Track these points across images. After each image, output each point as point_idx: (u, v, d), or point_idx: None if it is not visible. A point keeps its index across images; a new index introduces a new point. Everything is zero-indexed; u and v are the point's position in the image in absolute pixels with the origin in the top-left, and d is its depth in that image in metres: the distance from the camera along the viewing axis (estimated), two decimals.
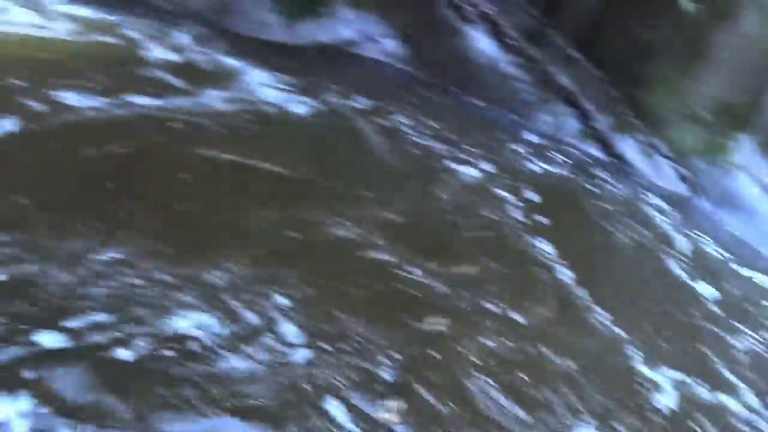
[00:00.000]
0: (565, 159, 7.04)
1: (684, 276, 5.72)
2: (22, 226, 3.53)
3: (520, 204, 5.64)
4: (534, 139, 7.19)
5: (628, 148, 7.84)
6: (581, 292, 4.84)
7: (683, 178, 7.88)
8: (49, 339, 3.03)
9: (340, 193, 4.81)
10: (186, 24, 6.15)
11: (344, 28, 7.03)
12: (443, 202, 5.24)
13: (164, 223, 3.95)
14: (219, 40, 6.10)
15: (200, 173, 4.42)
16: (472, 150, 6.14)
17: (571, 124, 7.76)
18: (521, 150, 6.69)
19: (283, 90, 5.75)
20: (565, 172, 6.75)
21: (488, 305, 4.41)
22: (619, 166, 7.71)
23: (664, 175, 7.87)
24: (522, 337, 4.32)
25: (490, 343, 4.21)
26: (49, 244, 3.48)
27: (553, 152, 7.03)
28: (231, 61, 5.84)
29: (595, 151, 7.74)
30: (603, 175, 7.04)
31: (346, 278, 4.15)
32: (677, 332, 4.99)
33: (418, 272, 4.39)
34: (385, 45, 7.20)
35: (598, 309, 4.77)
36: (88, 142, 4.27)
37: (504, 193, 5.69)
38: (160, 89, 5.01)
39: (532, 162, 6.56)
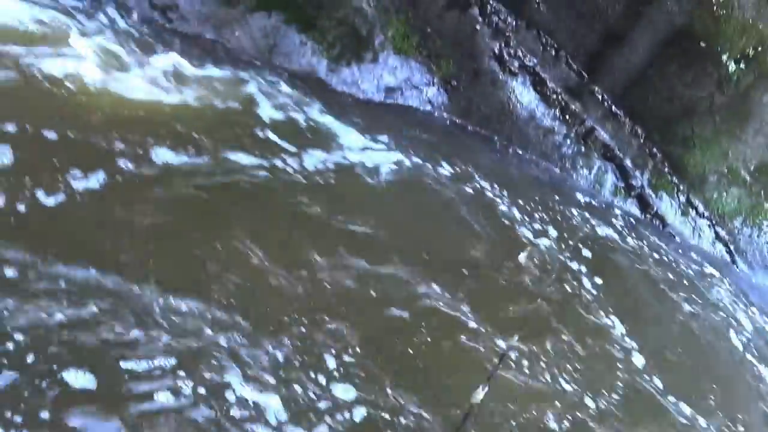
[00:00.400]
0: (616, 221, 6.96)
1: (743, 353, 5.57)
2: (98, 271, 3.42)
3: (585, 271, 5.54)
4: (584, 198, 7.09)
5: (667, 206, 7.71)
6: (651, 376, 4.69)
7: (722, 240, 7.76)
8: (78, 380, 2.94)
9: (422, 258, 4.67)
10: (283, 78, 6.00)
11: (388, 74, 6.90)
12: (522, 272, 5.11)
13: (238, 281, 3.79)
14: (313, 96, 5.93)
15: (283, 231, 4.31)
16: (537, 215, 6.05)
17: (610, 180, 7.64)
18: (576, 212, 6.60)
19: (368, 149, 5.64)
20: (619, 237, 6.67)
21: (560, 384, 4.24)
22: (658, 225, 7.58)
23: (703, 236, 7.75)
24: (593, 422, 4.14)
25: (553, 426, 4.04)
26: (122, 292, 3.38)
27: (604, 214, 6.95)
28: (321, 118, 5.71)
29: (634, 209, 7.62)
30: (653, 238, 6.91)
31: (418, 346, 3.99)
32: (751, 418, 4.82)
33: (501, 345, 4.22)
34: (428, 93, 7.08)
35: (670, 397, 4.62)
36: (173, 200, 4.13)
37: (573, 264, 5.59)
38: (253, 146, 4.87)
39: (588, 224, 6.49)
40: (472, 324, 4.27)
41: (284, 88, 5.87)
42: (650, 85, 7.55)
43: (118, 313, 3.26)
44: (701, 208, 7.81)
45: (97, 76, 4.76)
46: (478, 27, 7.11)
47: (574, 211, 6.47)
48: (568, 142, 7.56)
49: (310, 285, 3.97)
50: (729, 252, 7.76)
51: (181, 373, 3.17)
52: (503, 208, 5.77)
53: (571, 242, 5.74)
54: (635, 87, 7.59)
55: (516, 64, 7.30)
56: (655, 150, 7.72)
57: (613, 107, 7.64)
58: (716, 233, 7.79)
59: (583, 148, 7.61)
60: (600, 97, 7.59)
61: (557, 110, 7.49)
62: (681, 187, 7.77)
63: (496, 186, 6.02)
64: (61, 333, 3.05)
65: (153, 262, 3.60)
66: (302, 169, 4.90)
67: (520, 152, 7.30)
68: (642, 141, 7.71)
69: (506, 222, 5.63)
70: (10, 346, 2.91)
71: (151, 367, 3.13)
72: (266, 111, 5.36)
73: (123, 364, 3.08)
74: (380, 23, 6.79)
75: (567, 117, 7.52)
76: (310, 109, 5.69)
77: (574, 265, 5.50)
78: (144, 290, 3.42)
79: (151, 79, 5.05)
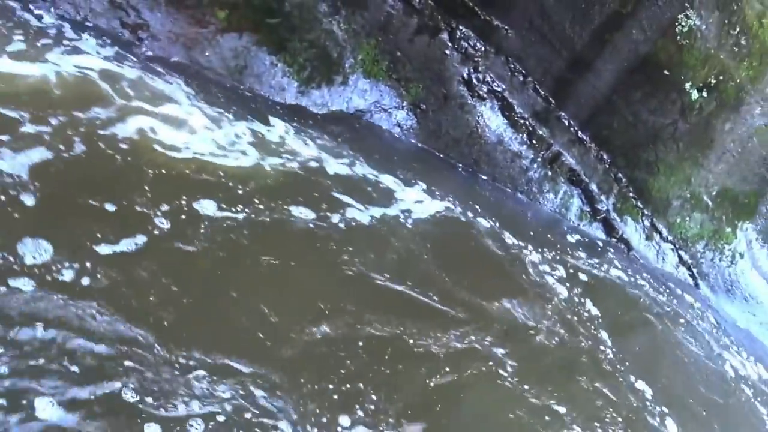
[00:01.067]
0: (609, 255, 7.02)
1: (748, 400, 5.72)
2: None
3: (589, 314, 5.66)
4: (574, 236, 7.16)
5: (632, 230, 7.83)
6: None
7: (685, 264, 7.88)
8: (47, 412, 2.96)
9: (432, 299, 4.71)
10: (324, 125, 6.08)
11: (358, 97, 6.96)
12: (542, 313, 5.22)
13: (266, 332, 3.81)
14: (359, 143, 6.03)
15: (316, 282, 4.35)
16: (535, 248, 6.16)
17: (576, 204, 7.75)
18: (567, 245, 6.75)
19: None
20: (613, 270, 6.82)
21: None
22: (623, 249, 7.69)
23: (666, 259, 7.87)
24: None
25: None
26: (147, 345, 3.40)
27: (596, 247, 7.05)
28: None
29: (599, 233, 7.72)
30: (645, 273, 7.03)
31: (433, 388, 4.03)
32: None
33: (529, 395, 4.30)
34: (397, 116, 7.14)
35: None
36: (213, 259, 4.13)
37: (578, 309, 5.68)
38: (300, 199, 4.94)
39: (587, 260, 6.63)
40: (493, 368, 4.33)
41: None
42: (616, 111, 7.70)
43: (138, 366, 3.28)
44: (665, 232, 7.94)
45: (158, 134, 4.74)
46: (447, 52, 7.22)
47: (567, 245, 6.56)
48: (535, 166, 7.66)
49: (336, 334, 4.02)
50: (692, 275, 7.89)
51: (197, 414, 3.20)
52: (501, 243, 5.85)
53: (570, 272, 5.81)
54: (601, 113, 7.73)
55: (484, 89, 7.41)
56: (620, 175, 7.86)
57: (579, 132, 7.77)
58: (680, 257, 7.92)
59: (549, 173, 7.71)
60: (566, 122, 7.71)
61: (525, 135, 7.60)
62: (645, 212, 7.90)
63: (492, 221, 6.10)
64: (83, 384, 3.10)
65: (182, 314, 3.61)
66: (315, 214, 4.95)
67: (487, 178, 7.39)
68: (607, 166, 7.84)
69: (507, 259, 5.72)
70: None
71: (169, 411, 3.17)
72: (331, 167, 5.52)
73: (140, 412, 3.11)
74: (351, 46, 6.86)
75: (534, 142, 7.63)
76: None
77: (576, 299, 5.58)
78: (168, 342, 3.44)
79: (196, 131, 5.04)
